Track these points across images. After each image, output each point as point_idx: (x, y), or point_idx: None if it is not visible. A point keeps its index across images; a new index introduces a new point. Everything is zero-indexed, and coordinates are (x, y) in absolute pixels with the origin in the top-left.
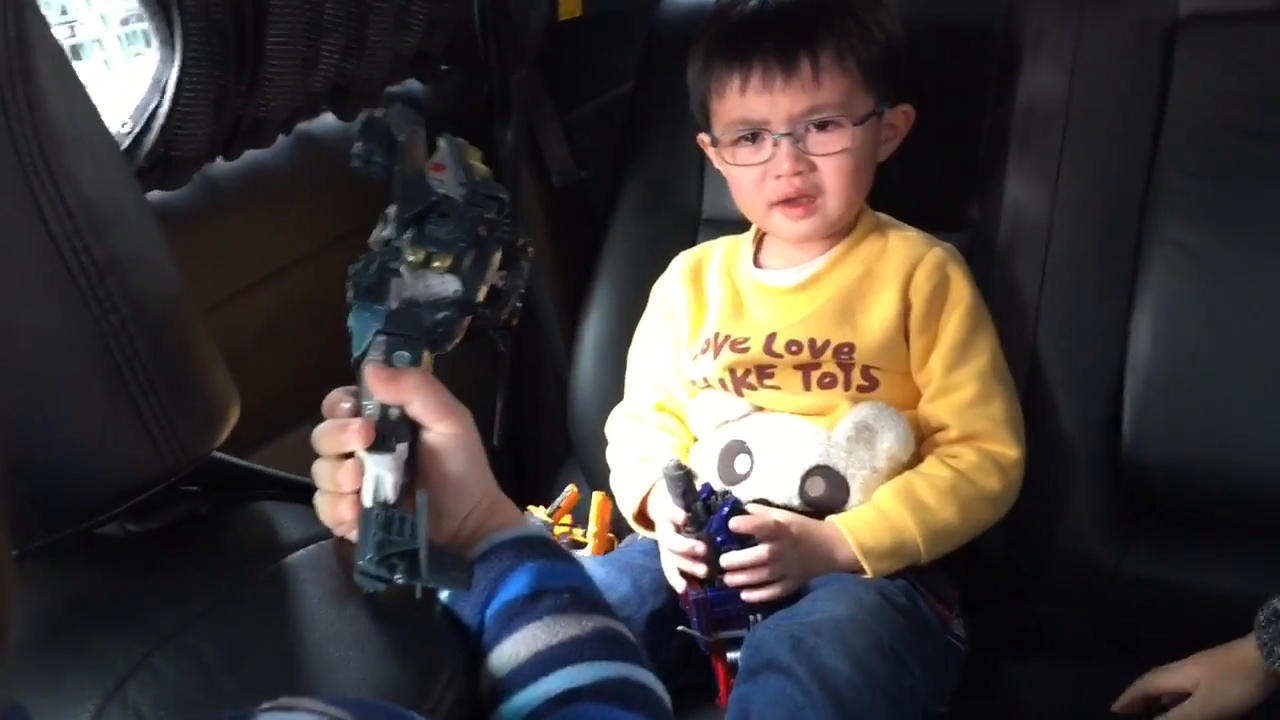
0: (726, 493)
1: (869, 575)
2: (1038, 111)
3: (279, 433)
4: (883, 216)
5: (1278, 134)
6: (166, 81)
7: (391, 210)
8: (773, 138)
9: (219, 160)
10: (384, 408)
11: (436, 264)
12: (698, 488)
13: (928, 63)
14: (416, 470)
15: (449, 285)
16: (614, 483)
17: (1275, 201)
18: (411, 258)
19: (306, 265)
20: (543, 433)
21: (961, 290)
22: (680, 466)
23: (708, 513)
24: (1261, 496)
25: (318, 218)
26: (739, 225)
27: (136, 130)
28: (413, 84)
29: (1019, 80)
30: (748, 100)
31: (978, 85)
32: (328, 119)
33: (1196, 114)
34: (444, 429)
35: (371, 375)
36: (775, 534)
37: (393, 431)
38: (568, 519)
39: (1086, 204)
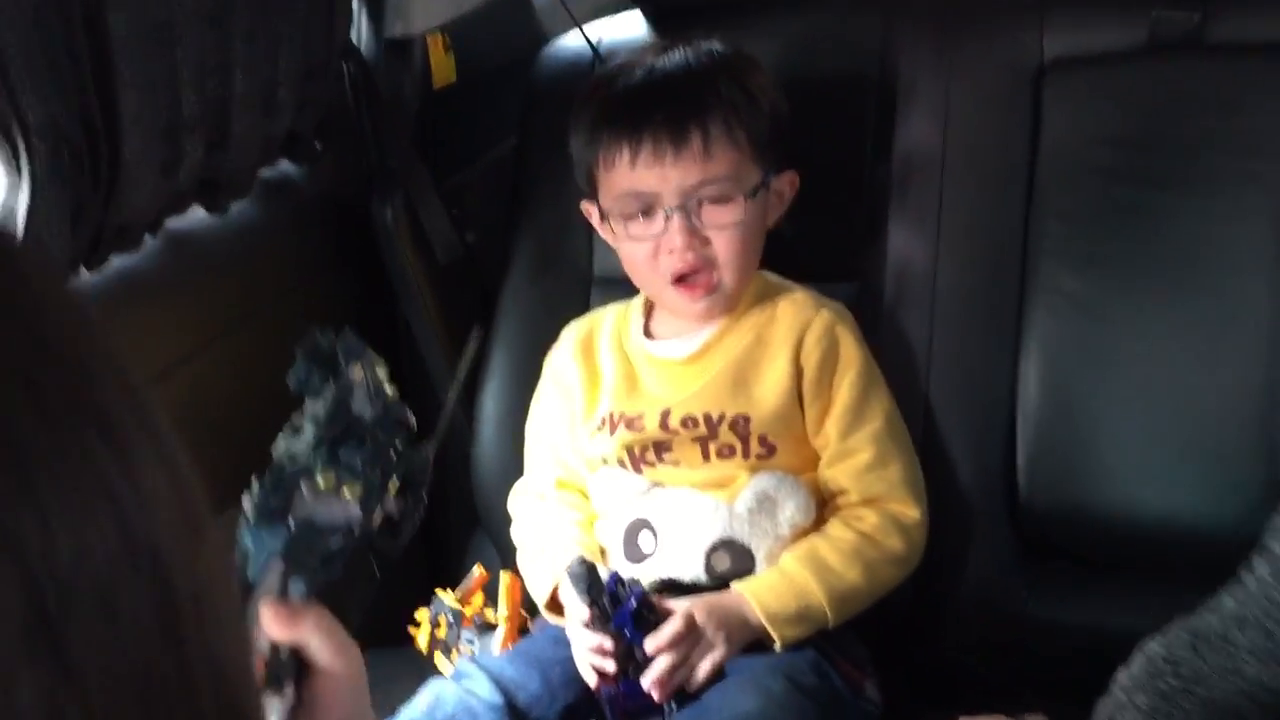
0: (635, 582)
1: (776, 643)
2: (915, 162)
3: None
4: (770, 277)
5: (1148, 178)
6: (15, 206)
7: (302, 422)
8: (664, 211)
9: (83, 272)
10: (275, 646)
11: (346, 492)
12: (603, 578)
13: (805, 114)
14: (301, 709)
15: (350, 511)
16: (522, 566)
17: (1150, 245)
18: (322, 482)
19: (187, 366)
20: (449, 505)
21: (851, 353)
22: (583, 562)
23: (615, 605)
24: (1153, 537)
25: (196, 316)
26: (630, 284)
27: None
28: (286, 165)
29: (896, 131)
30: (638, 173)
31: (857, 136)
32: (197, 213)
33: (1068, 159)
34: (337, 669)
35: (269, 613)
36: (684, 621)
37: (283, 671)
38: (478, 599)
39: (968, 253)
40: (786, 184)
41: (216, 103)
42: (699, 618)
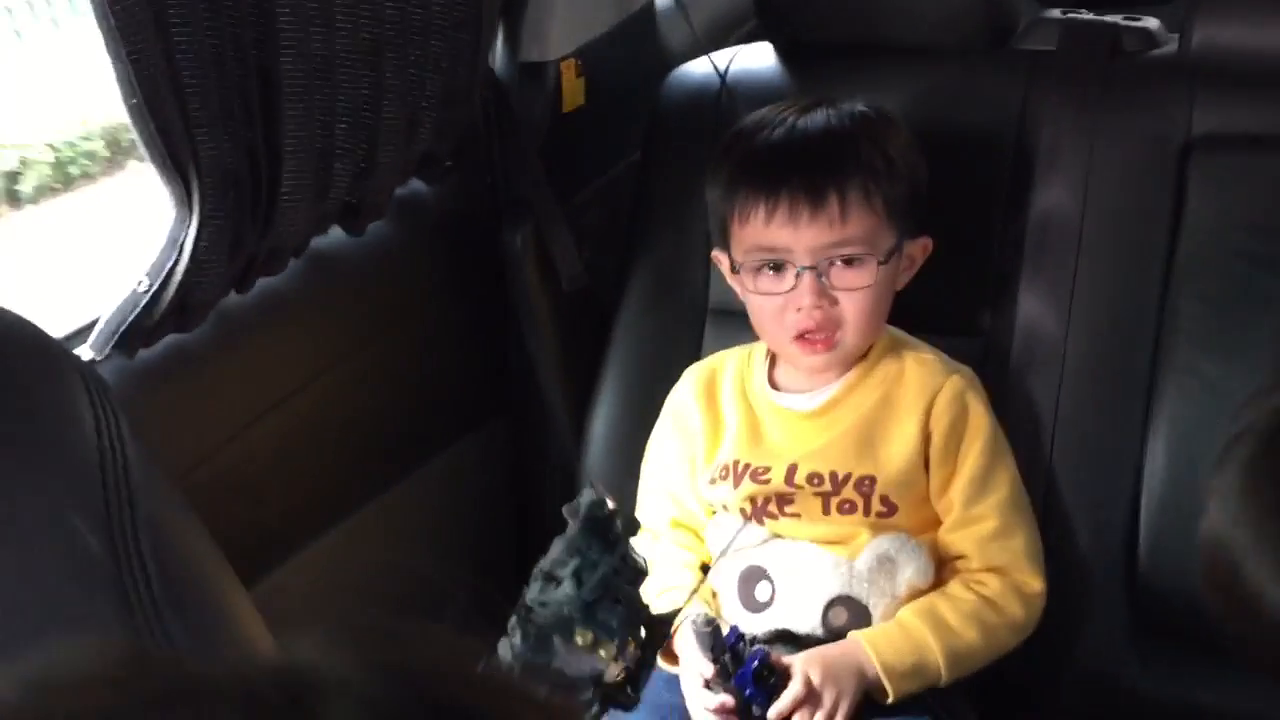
0: (754, 640)
1: (890, 695)
2: (1051, 227)
3: (296, 548)
4: (896, 333)
5: None
6: (184, 240)
7: (560, 575)
8: (796, 270)
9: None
10: None
11: (602, 651)
12: (724, 633)
13: (938, 169)
14: None
15: (599, 665)
16: None
17: None
18: (580, 640)
19: (320, 381)
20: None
21: (980, 421)
22: (710, 621)
23: (736, 663)
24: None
25: (328, 333)
26: (745, 316)
27: (154, 288)
28: (417, 184)
29: (1032, 194)
30: (772, 231)
31: (988, 195)
32: (333, 233)
33: (1210, 238)
34: None
35: None
36: (803, 684)
37: None
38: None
39: (1102, 324)
40: (920, 249)
41: (366, 130)
42: (816, 679)
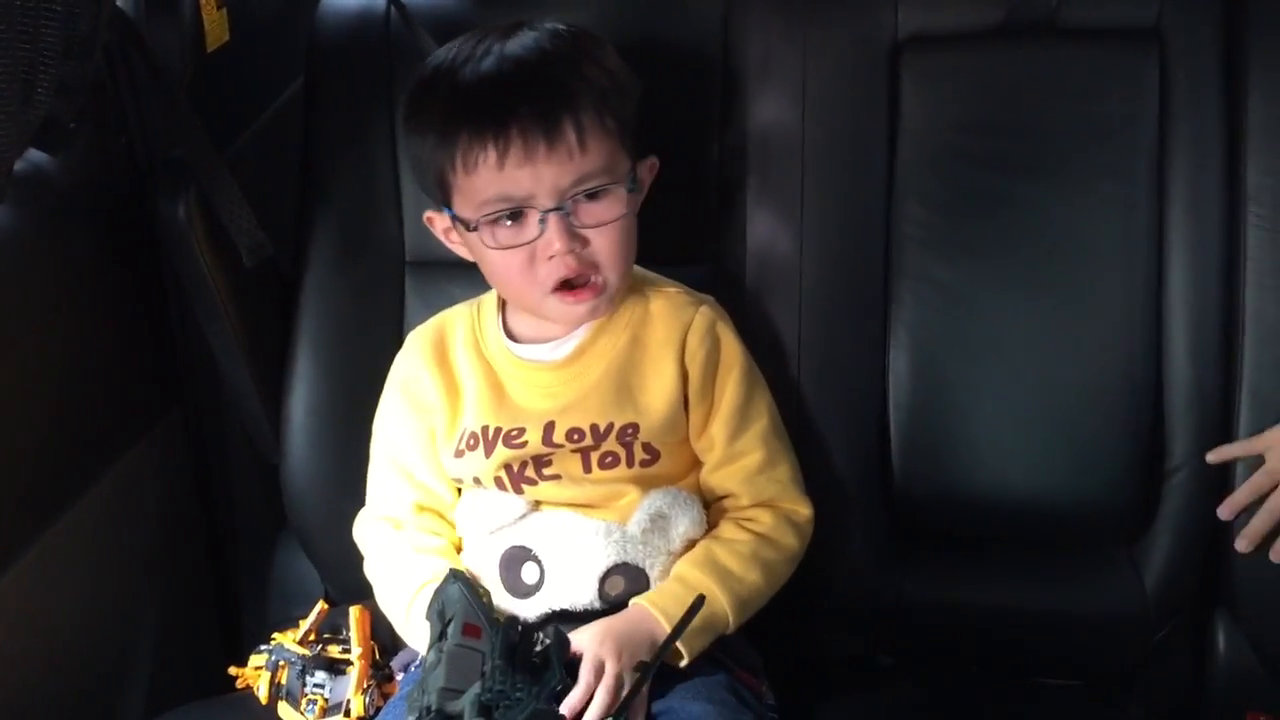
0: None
1: (685, 656)
2: (773, 143)
3: None
4: (634, 269)
5: (1007, 164)
6: None
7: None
8: (539, 214)
9: None
10: None
11: None
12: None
13: (644, 92)
14: None
15: None
16: (384, 601)
17: (1011, 231)
18: None
19: None
20: (243, 530)
21: (733, 352)
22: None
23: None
24: (1022, 515)
25: None
26: (450, 267)
27: None
28: (36, 156)
29: (749, 108)
30: (507, 174)
31: (701, 113)
32: None
33: (928, 142)
34: None
35: None
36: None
37: None
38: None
39: (832, 237)
40: (648, 169)
41: None
42: (606, 656)
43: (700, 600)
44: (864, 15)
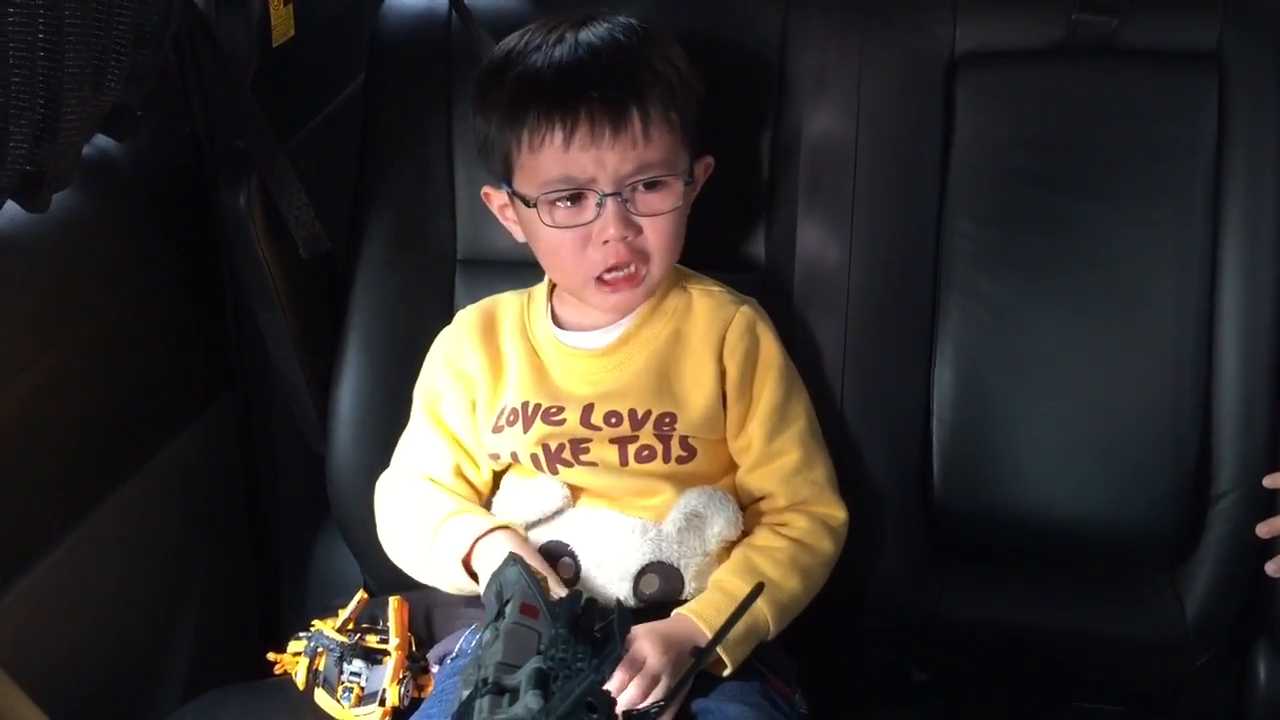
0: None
1: (729, 665)
2: (827, 155)
3: (12, 574)
4: (677, 266)
5: (1060, 182)
6: None
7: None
8: (598, 198)
9: None
10: None
11: None
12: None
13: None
14: None
15: None
16: (409, 539)
17: (1062, 250)
18: None
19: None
20: (286, 519)
21: (772, 352)
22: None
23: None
24: (1064, 535)
25: (13, 330)
26: (500, 267)
27: None
28: (104, 142)
29: (804, 119)
30: (572, 155)
31: (757, 121)
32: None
33: (982, 159)
34: None
35: None
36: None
37: None
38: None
39: (881, 249)
40: (703, 168)
41: (45, 83)
42: (648, 651)
43: (760, 587)
44: (921, 30)
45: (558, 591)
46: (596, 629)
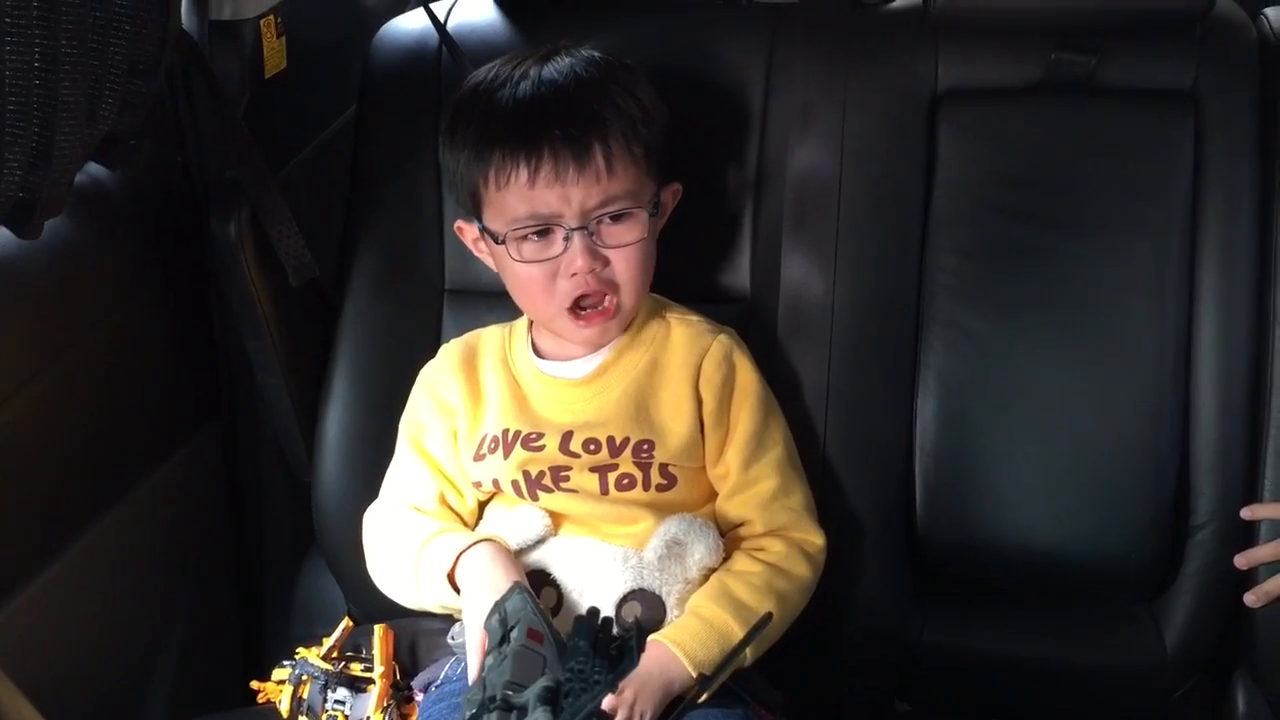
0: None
1: (703, 695)
2: (810, 189)
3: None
4: (656, 296)
5: (1041, 216)
6: None
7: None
8: (564, 232)
9: None
10: None
11: None
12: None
13: (683, 128)
14: None
15: None
16: (394, 565)
17: (1044, 284)
18: None
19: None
20: (271, 547)
21: (748, 380)
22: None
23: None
24: (1046, 566)
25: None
26: (488, 297)
27: None
28: (96, 170)
29: (788, 155)
30: (538, 192)
31: (740, 154)
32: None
33: (963, 193)
34: None
35: None
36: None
37: None
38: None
39: (865, 284)
40: (671, 195)
41: (39, 111)
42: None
43: (768, 617)
44: (904, 68)
45: None
46: (613, 647)
